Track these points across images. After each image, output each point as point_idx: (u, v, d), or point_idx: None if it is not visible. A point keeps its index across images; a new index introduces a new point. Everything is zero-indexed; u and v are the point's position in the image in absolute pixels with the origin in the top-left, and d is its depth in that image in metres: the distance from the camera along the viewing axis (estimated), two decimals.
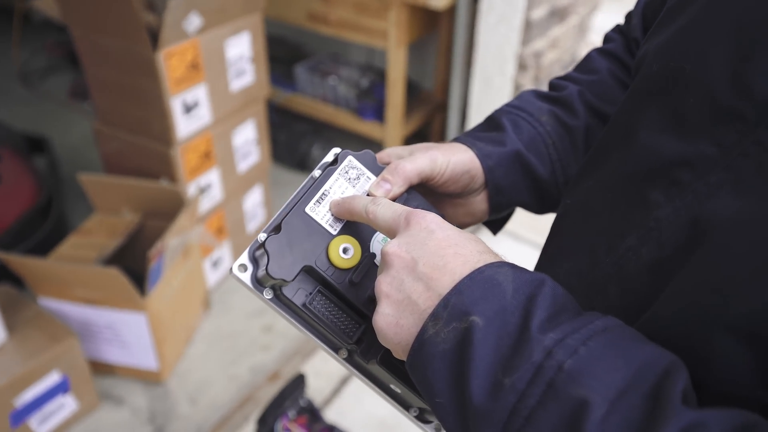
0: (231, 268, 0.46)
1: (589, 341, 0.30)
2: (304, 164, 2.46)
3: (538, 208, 0.60)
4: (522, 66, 1.93)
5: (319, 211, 0.47)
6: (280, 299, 0.46)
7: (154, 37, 1.46)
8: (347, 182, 0.49)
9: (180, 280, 1.64)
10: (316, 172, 0.50)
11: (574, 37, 2.28)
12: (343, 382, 1.71)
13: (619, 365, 0.29)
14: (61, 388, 1.47)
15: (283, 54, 2.58)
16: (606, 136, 0.47)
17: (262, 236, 0.46)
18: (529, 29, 1.87)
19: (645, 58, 0.44)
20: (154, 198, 1.69)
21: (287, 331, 1.83)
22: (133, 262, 1.69)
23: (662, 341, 0.31)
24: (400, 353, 0.37)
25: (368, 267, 0.47)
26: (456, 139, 0.57)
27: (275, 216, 0.47)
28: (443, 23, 2.30)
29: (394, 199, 0.48)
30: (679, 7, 0.42)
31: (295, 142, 2.44)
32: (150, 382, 1.66)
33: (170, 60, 1.50)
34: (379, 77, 2.48)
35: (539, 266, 0.50)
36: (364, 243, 0.47)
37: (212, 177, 1.79)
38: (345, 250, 0.46)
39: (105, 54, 1.56)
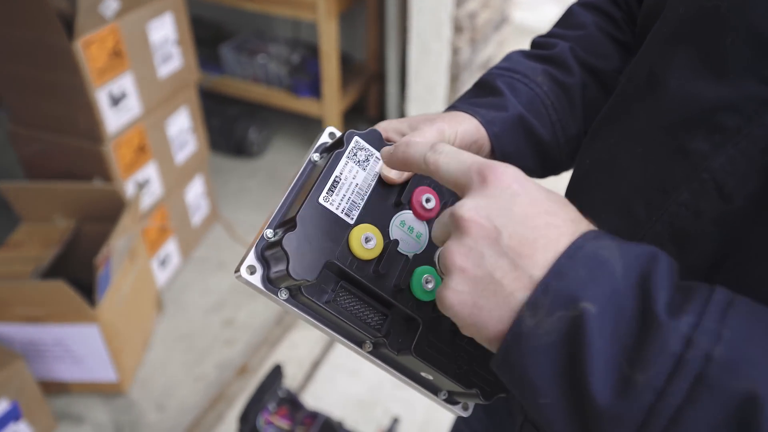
0: (237, 271, 0.42)
1: (727, 320, 0.27)
2: (241, 149, 2.36)
3: (541, 173, 0.57)
4: (458, 28, 1.91)
5: (334, 200, 0.43)
6: (297, 299, 0.43)
7: (69, 26, 1.33)
8: (357, 165, 0.44)
9: (130, 284, 1.54)
10: (315, 156, 0.46)
11: None
12: (315, 366, 1.67)
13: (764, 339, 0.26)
14: (11, 416, 1.35)
15: (204, 35, 2.44)
16: (624, 89, 0.44)
17: (269, 233, 0.42)
18: None
19: (664, 2, 0.41)
20: (89, 200, 1.57)
21: (250, 321, 1.77)
22: (75, 272, 1.56)
23: (759, 297, 0.29)
24: (477, 335, 0.33)
25: (392, 255, 0.43)
26: (453, 107, 0.53)
27: (277, 209, 0.44)
28: None
29: (408, 180, 0.44)
30: None
31: (230, 126, 2.33)
32: (110, 394, 1.56)
33: (89, 49, 1.37)
34: (309, 52, 2.40)
35: None
36: (384, 229, 0.44)
37: (150, 171, 1.68)
38: (367, 240, 0.42)
39: (15, 48, 1.40)
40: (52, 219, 1.60)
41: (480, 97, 0.54)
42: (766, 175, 0.31)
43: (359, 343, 0.45)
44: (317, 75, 2.24)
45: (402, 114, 2.29)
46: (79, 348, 1.47)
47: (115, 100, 1.49)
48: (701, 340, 0.26)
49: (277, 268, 0.41)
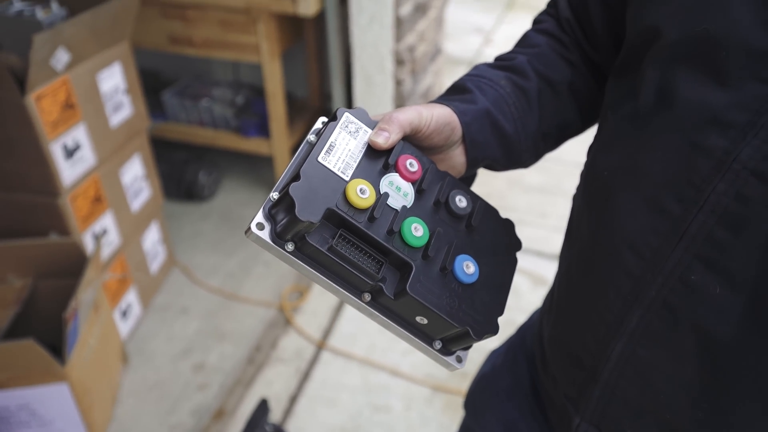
0: (248, 229, 0.46)
1: None
2: (192, 193, 2.33)
3: (505, 162, 0.64)
4: (399, 61, 2.00)
5: (330, 161, 0.49)
6: (301, 251, 0.47)
7: (20, 81, 1.30)
8: (348, 135, 0.51)
9: (96, 337, 1.48)
10: (311, 137, 0.52)
11: (435, 29, 2.40)
12: (293, 400, 1.65)
13: None
14: None
15: (144, 83, 2.41)
16: (634, 110, 0.49)
17: (274, 195, 0.47)
18: (400, 25, 1.93)
19: (655, 30, 0.47)
20: (45, 256, 1.50)
21: (221, 364, 1.73)
22: (33, 332, 1.49)
23: None
24: None
25: (384, 205, 0.49)
26: (429, 102, 0.60)
27: (280, 178, 0.49)
28: (309, 30, 2.30)
29: (392, 147, 0.51)
30: None
31: (179, 171, 2.30)
32: None
33: (42, 102, 1.34)
34: (253, 92, 2.42)
35: (595, 238, 0.53)
36: (375, 186, 0.50)
37: (107, 221, 1.63)
38: (362, 191, 0.48)
39: None
40: (6, 279, 1.52)
41: (453, 95, 0.62)
42: None
43: (359, 295, 0.48)
44: (264, 114, 2.26)
45: None
46: (46, 411, 1.39)
47: (69, 152, 1.45)
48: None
49: (284, 217, 0.45)
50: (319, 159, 0.48)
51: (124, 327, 1.76)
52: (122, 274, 1.73)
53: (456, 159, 0.60)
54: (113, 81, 1.58)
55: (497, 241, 0.56)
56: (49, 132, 1.38)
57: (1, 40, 1.40)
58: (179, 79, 2.53)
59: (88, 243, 1.56)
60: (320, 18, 2.13)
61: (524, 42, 0.68)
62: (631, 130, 0.49)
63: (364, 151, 0.51)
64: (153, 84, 2.46)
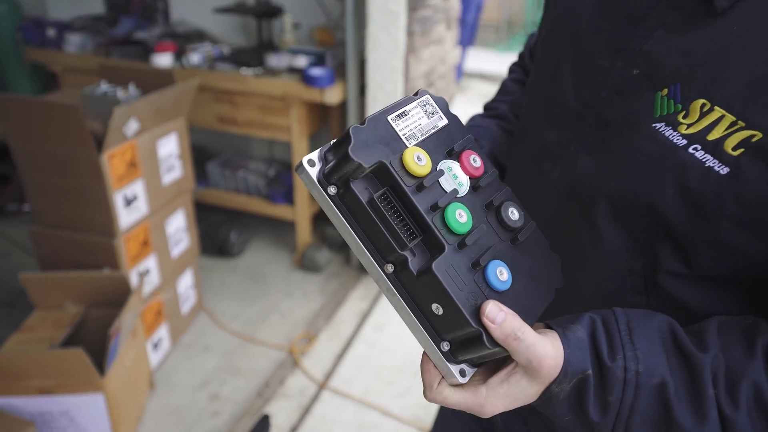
0: (299, 165, 0.45)
1: (635, 342, 0.48)
2: (223, 250, 2.61)
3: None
4: None
5: (399, 124, 0.47)
6: (342, 198, 0.45)
7: (99, 143, 1.62)
8: (424, 113, 0.51)
9: (131, 359, 1.71)
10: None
11: None
12: (293, 431, 1.82)
13: (656, 344, 0.48)
14: None
15: (193, 155, 2.77)
16: (516, 138, 0.75)
17: (333, 142, 0.46)
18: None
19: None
20: (97, 287, 1.77)
21: (233, 395, 1.92)
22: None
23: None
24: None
25: (436, 179, 0.47)
26: None
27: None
28: (334, 116, 2.65)
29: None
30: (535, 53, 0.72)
31: (214, 231, 2.60)
32: None
33: (112, 160, 1.66)
34: (283, 167, 2.75)
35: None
36: (434, 162, 0.48)
37: (150, 263, 1.91)
38: (419, 159, 0.46)
39: (47, 161, 1.68)
40: (64, 305, 1.79)
41: None
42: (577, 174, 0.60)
43: (382, 264, 0.46)
44: (291, 185, 2.57)
45: None
46: (83, 419, 1.60)
47: (128, 202, 1.76)
48: (630, 365, 0.48)
49: (335, 157, 0.45)
50: (389, 118, 0.47)
51: (154, 357, 1.99)
52: (158, 310, 1.98)
53: None
54: (169, 147, 1.91)
55: (539, 269, 0.52)
56: (114, 184, 1.69)
57: (88, 112, 1.75)
58: (223, 152, 2.90)
59: (133, 279, 1.83)
60: (343, 106, 2.48)
61: (502, 90, 0.91)
62: (514, 149, 0.75)
63: (432, 132, 0.50)
64: (200, 157, 2.81)
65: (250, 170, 2.66)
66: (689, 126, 0.51)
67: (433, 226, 0.44)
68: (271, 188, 2.60)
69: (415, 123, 0.48)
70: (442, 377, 0.48)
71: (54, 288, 1.77)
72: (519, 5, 8.26)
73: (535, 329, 0.47)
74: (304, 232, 2.60)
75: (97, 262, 1.79)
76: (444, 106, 0.53)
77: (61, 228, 1.78)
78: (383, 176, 0.45)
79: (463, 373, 0.47)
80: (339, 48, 2.43)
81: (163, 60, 2.34)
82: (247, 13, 2.44)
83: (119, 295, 1.74)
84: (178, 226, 2.04)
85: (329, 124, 2.67)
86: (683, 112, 0.51)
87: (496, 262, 0.46)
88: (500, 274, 0.46)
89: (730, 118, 0.48)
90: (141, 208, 1.82)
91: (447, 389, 0.48)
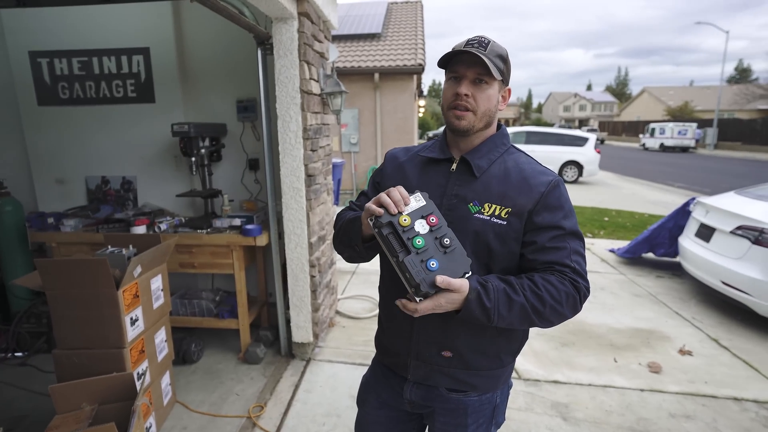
0: (370, 219, 0.93)
1: (489, 279, 0.94)
2: (186, 359, 2.74)
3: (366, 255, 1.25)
4: (312, 266, 2.77)
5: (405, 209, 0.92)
6: (378, 231, 0.90)
7: (116, 282, 1.89)
8: (414, 200, 0.95)
9: None
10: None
11: (330, 250, 3.26)
12: None
13: (497, 280, 0.94)
14: None
15: None
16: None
17: (381, 220, 0.92)
18: (311, 246, 2.75)
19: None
20: (107, 387, 1.89)
21: None
22: None
23: None
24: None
25: (413, 226, 0.89)
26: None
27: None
28: (260, 255, 3.05)
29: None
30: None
31: (178, 344, 2.74)
32: None
33: (125, 294, 1.92)
34: (225, 292, 3.03)
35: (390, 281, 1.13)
36: (413, 219, 0.90)
37: (145, 365, 2.07)
38: (405, 220, 0.89)
39: (75, 300, 1.87)
40: (81, 405, 1.87)
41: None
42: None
43: (394, 257, 0.88)
44: (234, 305, 2.85)
45: (288, 324, 2.93)
46: None
47: (133, 322, 1.98)
48: (491, 284, 0.94)
49: (378, 220, 0.91)
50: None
51: None
52: (150, 401, 2.10)
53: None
54: (157, 284, 2.19)
55: (456, 261, 0.90)
56: (125, 310, 1.93)
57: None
58: (177, 289, 3.10)
59: (134, 378, 1.98)
60: (267, 247, 2.90)
61: (352, 205, 1.27)
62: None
63: (417, 207, 0.92)
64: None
65: (202, 298, 2.91)
66: (486, 212, 0.99)
67: (408, 245, 0.88)
68: (218, 308, 2.86)
69: (411, 205, 0.92)
70: (415, 301, 0.90)
71: (74, 393, 1.86)
72: (363, 177, 9.53)
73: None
74: (245, 336, 2.83)
75: (107, 369, 1.93)
76: (427, 197, 0.94)
77: (81, 348, 1.92)
78: (391, 225, 0.90)
79: (422, 296, 0.89)
80: (261, 211, 2.92)
81: (141, 230, 2.64)
82: (199, 196, 2.86)
83: (126, 393, 1.88)
84: (162, 338, 2.24)
85: (257, 258, 3.05)
86: (481, 208, 0.99)
87: (432, 259, 0.89)
88: (432, 264, 0.88)
89: (498, 206, 0.98)
90: (140, 325, 2.04)
91: (420, 304, 0.89)
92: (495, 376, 1.09)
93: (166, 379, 2.29)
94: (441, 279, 0.87)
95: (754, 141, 23.53)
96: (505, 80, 1.02)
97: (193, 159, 2.75)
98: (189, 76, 2.97)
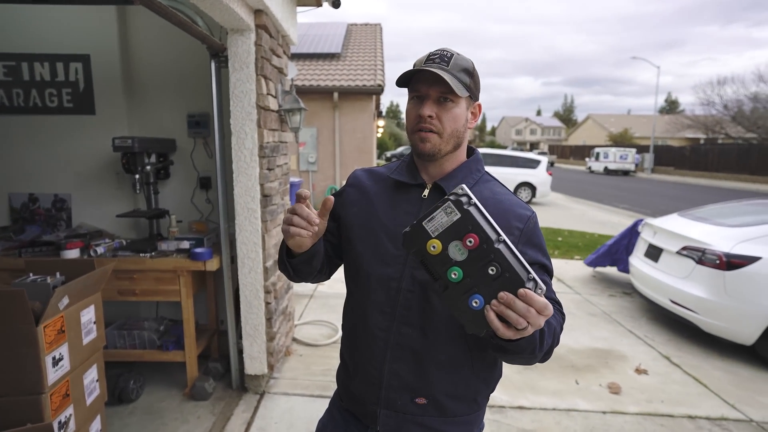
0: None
1: None
2: (122, 398, 2.44)
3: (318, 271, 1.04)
4: (267, 292, 2.56)
5: (428, 225, 0.68)
6: (418, 256, 0.69)
7: (36, 317, 1.62)
8: (444, 214, 0.68)
9: None
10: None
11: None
12: None
13: None
14: None
15: None
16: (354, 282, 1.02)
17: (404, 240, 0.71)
18: (266, 271, 2.55)
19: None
20: None
21: None
22: None
23: None
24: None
25: (444, 253, 0.66)
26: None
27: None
28: (210, 280, 2.81)
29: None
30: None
31: (113, 383, 2.43)
32: None
33: (46, 329, 1.65)
34: (170, 321, 2.75)
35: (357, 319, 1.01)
36: (445, 243, 0.66)
37: (69, 412, 1.79)
38: (434, 247, 0.66)
39: None
40: None
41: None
42: (414, 289, 0.92)
43: (436, 282, 0.67)
44: (180, 335, 2.59)
45: (240, 355, 2.69)
46: None
47: (56, 362, 1.71)
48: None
49: (412, 248, 0.69)
50: (423, 224, 0.67)
51: None
52: None
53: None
54: (89, 316, 1.92)
55: (513, 287, 0.65)
56: (46, 348, 1.65)
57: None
58: (116, 318, 2.79)
59: (54, 428, 1.70)
60: (218, 271, 2.68)
61: None
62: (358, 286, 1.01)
63: (449, 224, 0.66)
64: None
65: (144, 329, 2.62)
66: None
67: (443, 278, 0.66)
68: (162, 339, 2.58)
69: (438, 221, 0.66)
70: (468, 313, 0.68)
71: None
72: (321, 196, 9.35)
73: None
74: (192, 369, 2.57)
75: (20, 420, 1.64)
76: (465, 201, 0.66)
77: None
78: (420, 253, 0.68)
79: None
80: (212, 233, 2.70)
81: (73, 254, 2.35)
82: (143, 216, 2.61)
83: None
84: (93, 378, 1.96)
85: (207, 285, 2.81)
86: None
87: (476, 296, 0.65)
88: (475, 303, 0.65)
89: None
90: (65, 365, 1.76)
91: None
92: (470, 422, 0.98)
93: (96, 425, 1.99)
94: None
95: (684, 166, 25.51)
96: (473, 95, 0.92)
97: (137, 176, 2.50)
98: (135, 87, 2.74)
